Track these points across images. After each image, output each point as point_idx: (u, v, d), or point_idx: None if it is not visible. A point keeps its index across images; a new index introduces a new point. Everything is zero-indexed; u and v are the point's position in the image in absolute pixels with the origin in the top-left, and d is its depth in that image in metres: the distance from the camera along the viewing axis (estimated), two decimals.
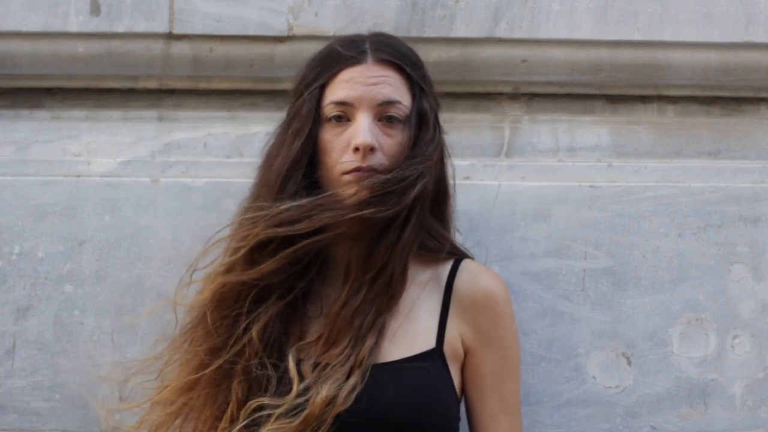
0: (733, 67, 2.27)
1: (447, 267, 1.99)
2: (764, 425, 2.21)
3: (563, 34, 2.24)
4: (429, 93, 1.99)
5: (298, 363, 1.88)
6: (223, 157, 2.27)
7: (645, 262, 2.22)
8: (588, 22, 2.24)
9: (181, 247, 2.20)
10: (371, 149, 1.89)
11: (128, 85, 2.29)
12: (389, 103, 1.92)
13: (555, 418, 2.19)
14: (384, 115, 1.92)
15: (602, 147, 2.29)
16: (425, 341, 1.92)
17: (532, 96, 2.31)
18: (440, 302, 1.95)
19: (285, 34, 2.23)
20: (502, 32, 2.24)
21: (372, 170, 1.89)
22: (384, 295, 1.92)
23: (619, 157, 2.29)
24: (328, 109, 1.93)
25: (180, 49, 2.25)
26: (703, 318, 2.21)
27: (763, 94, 2.32)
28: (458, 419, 1.95)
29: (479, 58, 2.26)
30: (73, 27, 2.23)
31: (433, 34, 2.23)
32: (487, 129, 2.29)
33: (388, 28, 2.19)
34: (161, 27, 2.23)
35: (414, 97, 1.96)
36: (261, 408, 1.85)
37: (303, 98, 1.95)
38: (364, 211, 1.87)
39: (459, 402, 1.96)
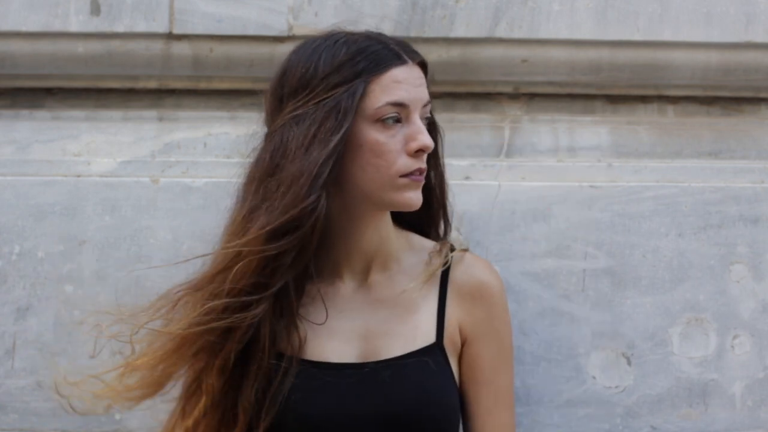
0: (734, 67, 2.27)
1: (440, 257, 1.98)
2: (764, 425, 2.21)
3: (563, 34, 2.24)
4: None
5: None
6: (223, 157, 2.27)
7: (645, 262, 2.22)
8: (588, 22, 2.24)
9: (181, 247, 2.20)
10: None
11: (128, 85, 2.30)
12: (428, 103, 1.91)
13: (555, 418, 2.19)
14: (423, 116, 1.91)
15: (602, 147, 2.29)
16: (425, 336, 1.93)
17: (532, 96, 2.31)
18: (437, 294, 1.95)
19: (285, 34, 2.23)
20: (502, 32, 2.24)
21: (423, 171, 1.90)
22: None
23: (619, 157, 2.29)
24: (383, 110, 1.85)
25: (180, 49, 2.25)
26: (703, 318, 2.21)
27: (763, 94, 2.32)
28: (459, 413, 1.95)
29: (479, 58, 2.26)
30: (73, 27, 2.23)
31: (433, 34, 2.23)
32: (487, 129, 2.29)
33: (388, 28, 2.19)
34: (161, 27, 2.23)
35: None
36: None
37: (337, 93, 1.85)
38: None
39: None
